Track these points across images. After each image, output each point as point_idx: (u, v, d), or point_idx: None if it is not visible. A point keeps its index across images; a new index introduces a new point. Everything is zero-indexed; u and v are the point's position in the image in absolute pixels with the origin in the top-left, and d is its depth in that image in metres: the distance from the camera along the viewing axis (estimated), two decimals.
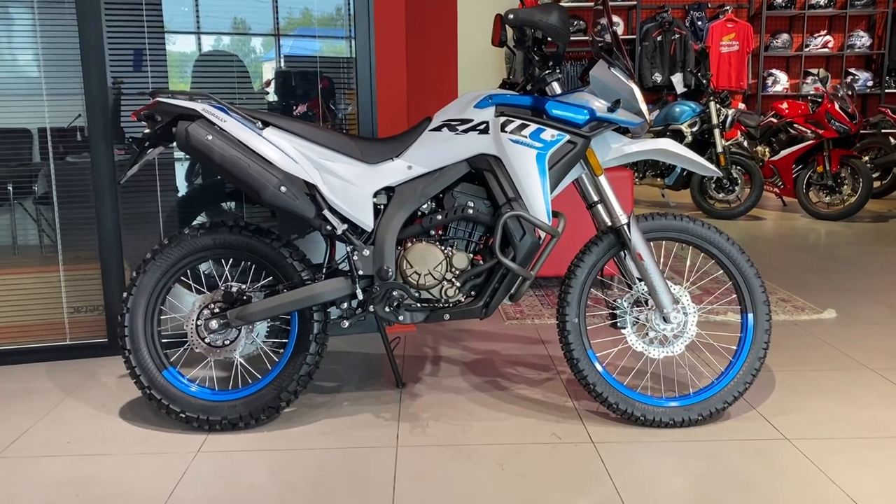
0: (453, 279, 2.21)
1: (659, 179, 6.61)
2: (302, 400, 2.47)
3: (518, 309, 3.54)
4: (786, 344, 3.01)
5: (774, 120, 6.55)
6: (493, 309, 2.23)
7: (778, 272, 4.27)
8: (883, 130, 7.17)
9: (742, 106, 8.65)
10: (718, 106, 6.30)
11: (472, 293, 2.25)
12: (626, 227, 2.23)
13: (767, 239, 5.35)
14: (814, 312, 3.42)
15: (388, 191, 2.24)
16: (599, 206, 2.29)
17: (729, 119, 6.31)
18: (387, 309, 2.20)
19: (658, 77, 8.62)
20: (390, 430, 2.25)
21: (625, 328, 2.32)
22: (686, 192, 6.53)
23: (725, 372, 2.30)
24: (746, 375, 2.27)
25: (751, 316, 2.29)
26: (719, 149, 6.18)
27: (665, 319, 2.25)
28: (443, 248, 2.22)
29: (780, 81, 9.04)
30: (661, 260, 4.33)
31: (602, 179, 2.26)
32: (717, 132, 6.20)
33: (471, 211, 2.20)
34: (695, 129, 6.41)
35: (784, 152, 6.29)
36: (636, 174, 6.77)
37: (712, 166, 2.28)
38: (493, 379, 2.66)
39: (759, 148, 6.66)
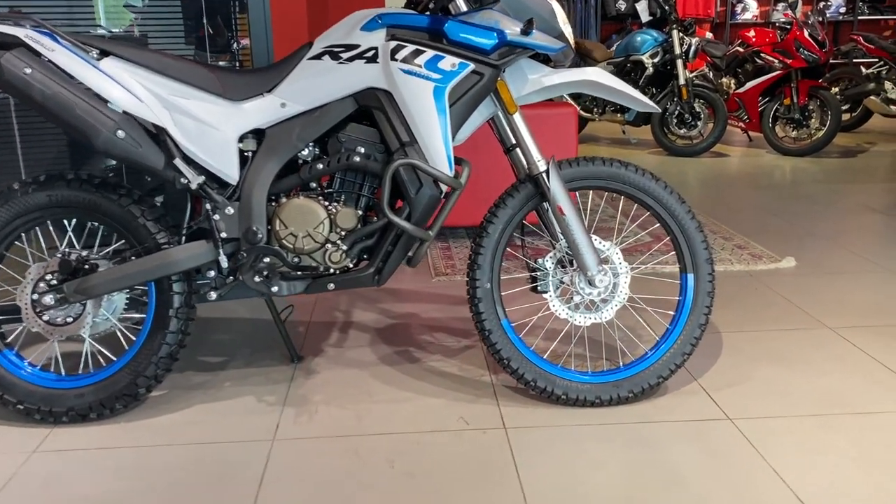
0: (339, 241, 1.85)
1: (619, 115, 6.24)
2: (177, 380, 2.12)
3: (449, 263, 3.20)
4: (738, 299, 2.71)
5: (741, 49, 6.16)
6: (386, 276, 1.88)
7: (738, 215, 3.96)
8: (854, 60, 6.81)
9: (709, 35, 8.22)
10: (682, 35, 5.89)
11: (365, 257, 1.90)
12: (543, 175, 1.87)
13: (730, 177, 5.04)
14: (771, 261, 3.12)
15: (258, 134, 1.85)
16: (518, 151, 1.93)
17: (693, 49, 5.91)
18: (257, 279, 1.84)
19: (622, 5, 8.15)
20: (271, 419, 1.92)
21: (546, 292, 1.99)
22: (649, 128, 6.17)
23: (661, 341, 1.99)
24: (685, 345, 1.96)
25: (691, 277, 1.97)
26: (682, 80, 5.80)
27: (591, 282, 1.92)
28: (326, 203, 1.85)
29: (750, 9, 8.61)
30: (588, 212, 4.00)
31: (517, 118, 1.89)
32: (679, 63, 5.80)
33: (359, 158, 1.82)
34: (657, 59, 6.01)
35: (750, 84, 5.93)
36: (595, 110, 6.39)
37: (647, 100, 1.92)
38: (406, 349, 2.34)
39: (724, 80, 6.29)
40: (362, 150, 1.83)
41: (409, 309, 2.68)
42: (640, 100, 1.90)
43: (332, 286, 1.86)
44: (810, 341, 2.34)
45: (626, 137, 6.78)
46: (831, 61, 6.63)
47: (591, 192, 1.98)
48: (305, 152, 1.87)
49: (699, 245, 1.95)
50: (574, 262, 1.92)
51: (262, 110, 1.83)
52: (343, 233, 1.85)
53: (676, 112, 5.86)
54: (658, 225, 1.90)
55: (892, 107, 6.28)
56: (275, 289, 1.85)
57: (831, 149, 6.04)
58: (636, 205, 2.00)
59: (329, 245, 1.85)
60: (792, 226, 3.71)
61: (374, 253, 1.86)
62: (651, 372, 1.95)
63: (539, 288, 1.99)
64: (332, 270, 1.87)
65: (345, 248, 1.84)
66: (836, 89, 6.67)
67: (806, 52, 5.60)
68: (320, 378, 2.14)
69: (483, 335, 1.94)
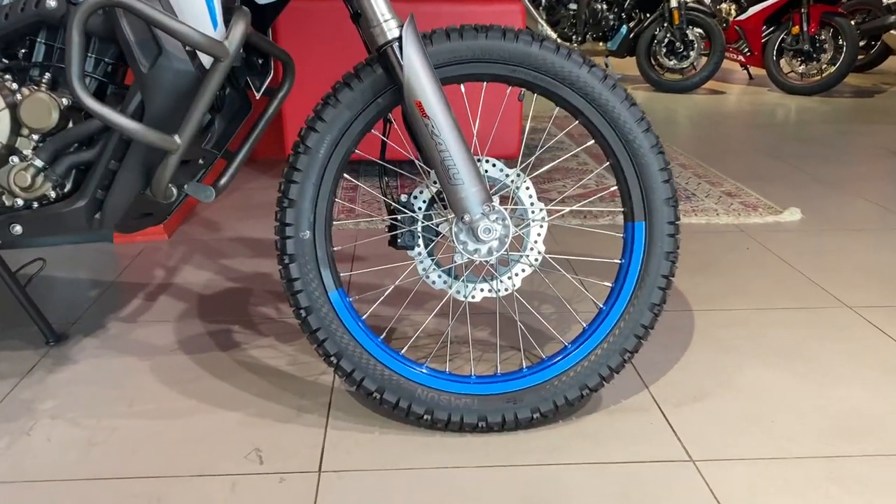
0: (30, 153, 1.08)
1: (601, 44, 5.41)
2: None
3: (347, 205, 2.43)
4: (720, 263, 1.97)
5: None
6: (112, 215, 1.12)
7: (730, 157, 3.19)
8: None
9: None
10: None
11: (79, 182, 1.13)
12: (393, 47, 1.10)
13: (724, 115, 4.25)
14: (770, 213, 2.37)
15: None
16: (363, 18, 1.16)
17: None
18: None
19: None
20: None
21: (411, 248, 1.24)
22: (634, 59, 5.34)
23: (588, 330, 1.24)
24: (626, 338, 1.22)
25: (640, 228, 1.21)
26: (673, 3, 4.95)
27: (474, 234, 1.17)
28: (10, 86, 1.08)
29: None
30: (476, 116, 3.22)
31: None
32: None
33: (53, 3, 1.04)
34: None
35: (753, 10, 5.09)
36: (574, 38, 5.55)
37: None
38: (227, 328, 1.59)
39: (723, 5, 5.45)
40: None
41: (265, 268, 1.93)
42: None
43: (18, 229, 1.10)
44: (822, 327, 1.60)
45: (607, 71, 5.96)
46: None
47: (483, 84, 1.21)
48: None
49: (655, 176, 1.19)
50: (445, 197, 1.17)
51: None
52: (35, 137, 1.08)
53: (666, 40, 5.04)
54: (593, 143, 1.12)
55: None
56: None
57: (843, 88, 5.24)
58: (557, 109, 1.23)
59: (14, 158, 1.08)
60: (796, 170, 2.95)
61: (89, 175, 1.10)
62: (570, 379, 1.21)
63: (399, 241, 1.24)
64: (20, 203, 1.10)
65: (40, 164, 1.07)
66: (853, 22, 5.83)
67: None
68: (70, 371, 1.40)
69: (297, 314, 1.19)
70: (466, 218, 1.13)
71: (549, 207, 1.25)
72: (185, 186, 1.27)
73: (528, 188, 1.24)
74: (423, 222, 1.23)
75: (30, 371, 1.40)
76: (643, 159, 1.19)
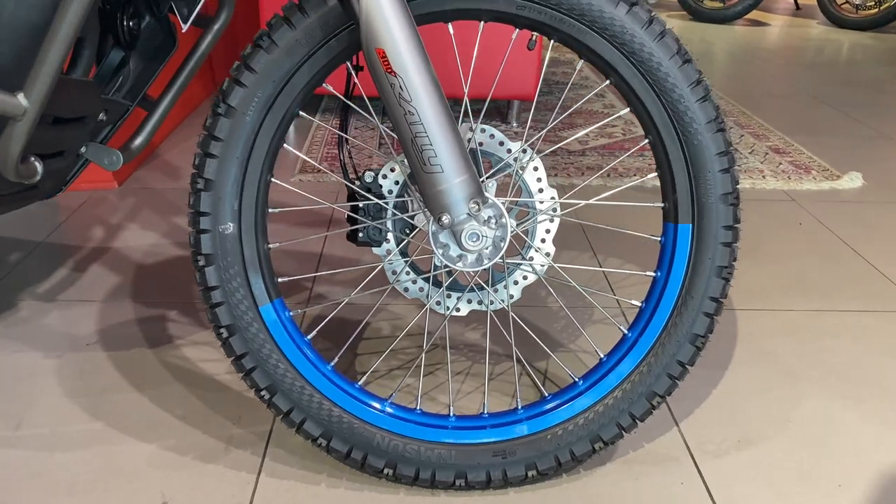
0: None
1: None
2: None
3: (334, 150, 2.11)
4: (767, 242, 1.64)
5: None
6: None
7: (775, 104, 2.81)
8: None
9: None
10: None
11: None
12: None
13: (768, 51, 3.82)
14: (825, 177, 2.02)
15: None
16: None
17: None
18: None
19: None
20: None
21: (378, 245, 0.93)
22: None
23: (607, 363, 0.94)
24: (657, 377, 0.91)
25: (686, 231, 0.89)
26: None
27: (457, 238, 0.85)
28: None
29: None
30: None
31: None
32: None
33: None
34: None
35: None
36: None
37: None
38: (163, 313, 1.30)
39: None
40: None
41: None
42: None
43: None
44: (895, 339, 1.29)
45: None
46: None
47: (478, 25, 0.87)
48: None
49: (711, 163, 0.86)
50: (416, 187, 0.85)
51: None
52: None
53: None
54: (628, 111, 0.77)
55: None
56: None
57: None
58: (580, 62, 0.90)
59: None
60: (853, 122, 2.57)
61: None
62: (579, 428, 0.92)
63: (361, 235, 0.93)
64: None
65: None
66: None
67: None
68: None
69: (217, 333, 0.89)
70: (445, 219, 0.81)
71: (563, 200, 0.92)
72: (84, 149, 0.96)
73: (536, 168, 0.91)
74: (392, 212, 0.92)
75: None
76: (696, 138, 0.86)
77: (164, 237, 1.57)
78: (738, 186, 0.88)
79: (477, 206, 0.81)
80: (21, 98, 0.71)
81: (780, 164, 2.11)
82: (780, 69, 3.40)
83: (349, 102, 0.93)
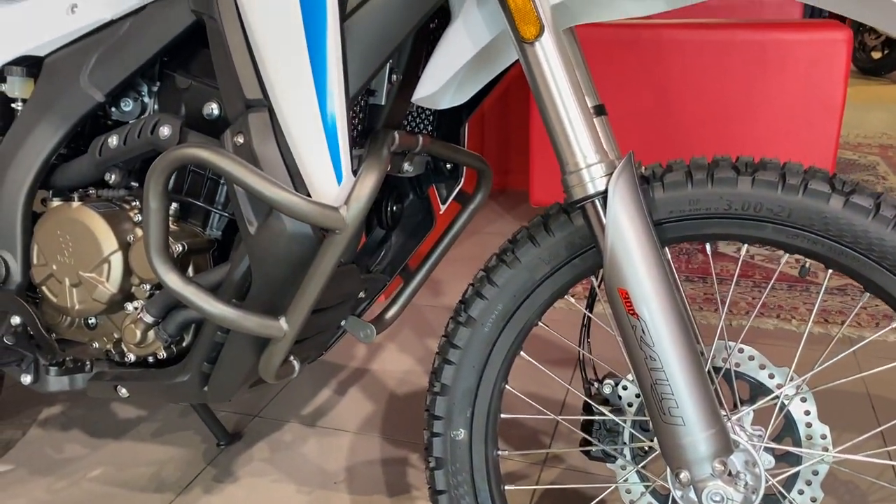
0: (143, 304, 0.90)
1: None
2: None
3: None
4: None
5: None
6: (219, 394, 0.89)
7: None
8: None
9: None
10: None
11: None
12: (595, 203, 0.73)
13: None
14: None
15: (31, 64, 0.94)
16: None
17: None
18: None
19: None
20: None
21: (613, 461, 0.87)
22: None
23: None
24: None
25: None
26: None
27: (697, 495, 0.75)
28: (133, 217, 0.91)
29: None
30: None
31: (547, 50, 0.75)
32: None
33: (166, 132, 0.84)
34: None
35: None
36: None
37: None
38: (405, 455, 1.34)
39: None
40: (214, 106, 0.85)
41: None
42: None
43: (124, 392, 0.93)
44: None
45: None
46: None
47: (715, 245, 0.78)
48: (114, 110, 0.92)
49: None
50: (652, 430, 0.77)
51: (34, 18, 0.91)
52: (147, 287, 0.89)
53: None
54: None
55: None
56: (26, 379, 0.97)
57: None
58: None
59: (130, 306, 0.91)
60: None
61: (193, 348, 0.88)
62: None
63: (593, 452, 0.87)
64: (132, 358, 0.93)
65: (150, 319, 0.88)
66: None
67: None
68: (223, 497, 1.25)
69: None
70: (684, 477, 0.73)
71: (836, 453, 0.78)
72: (344, 323, 1.03)
73: (804, 400, 0.79)
74: (630, 430, 0.85)
75: (187, 486, 1.28)
76: None
77: (417, 363, 1.64)
78: None
79: (723, 466, 0.72)
80: (283, 322, 0.78)
81: None
82: None
83: (591, 315, 0.89)
